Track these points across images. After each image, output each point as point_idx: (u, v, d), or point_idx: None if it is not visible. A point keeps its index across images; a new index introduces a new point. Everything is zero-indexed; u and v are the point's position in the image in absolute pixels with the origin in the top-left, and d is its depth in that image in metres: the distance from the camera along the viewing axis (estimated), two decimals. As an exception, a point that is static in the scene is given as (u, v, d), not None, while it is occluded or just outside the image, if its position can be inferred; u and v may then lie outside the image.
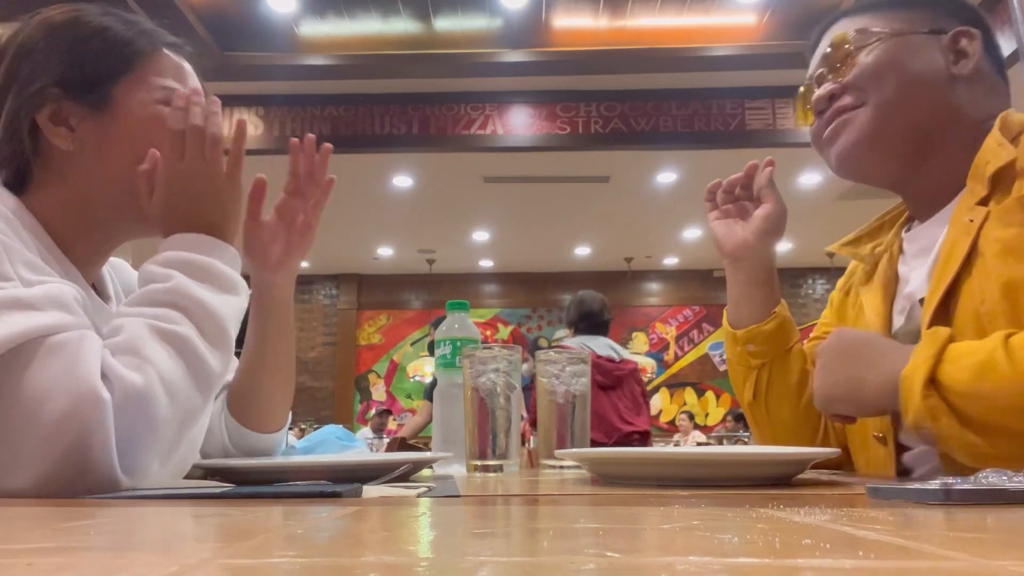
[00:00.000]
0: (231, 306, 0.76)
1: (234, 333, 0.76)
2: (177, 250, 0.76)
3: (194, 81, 0.90)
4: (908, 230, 1.03)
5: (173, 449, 0.69)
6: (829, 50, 0.98)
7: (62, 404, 0.61)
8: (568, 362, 1.10)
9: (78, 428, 0.61)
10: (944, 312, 0.84)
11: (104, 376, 0.64)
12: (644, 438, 3.36)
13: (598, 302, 3.49)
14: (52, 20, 0.84)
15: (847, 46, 0.96)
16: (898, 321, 0.97)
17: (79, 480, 0.63)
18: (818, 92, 0.98)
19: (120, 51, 0.84)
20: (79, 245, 0.83)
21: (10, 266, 0.67)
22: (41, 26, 0.83)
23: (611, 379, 3.30)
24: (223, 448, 0.98)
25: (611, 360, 3.35)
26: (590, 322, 3.45)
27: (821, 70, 0.99)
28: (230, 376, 0.99)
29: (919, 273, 0.94)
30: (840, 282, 1.18)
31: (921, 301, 0.90)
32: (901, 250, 1.02)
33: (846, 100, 0.95)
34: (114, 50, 0.83)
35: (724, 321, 1.13)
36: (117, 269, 0.97)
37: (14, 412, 0.62)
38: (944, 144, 0.92)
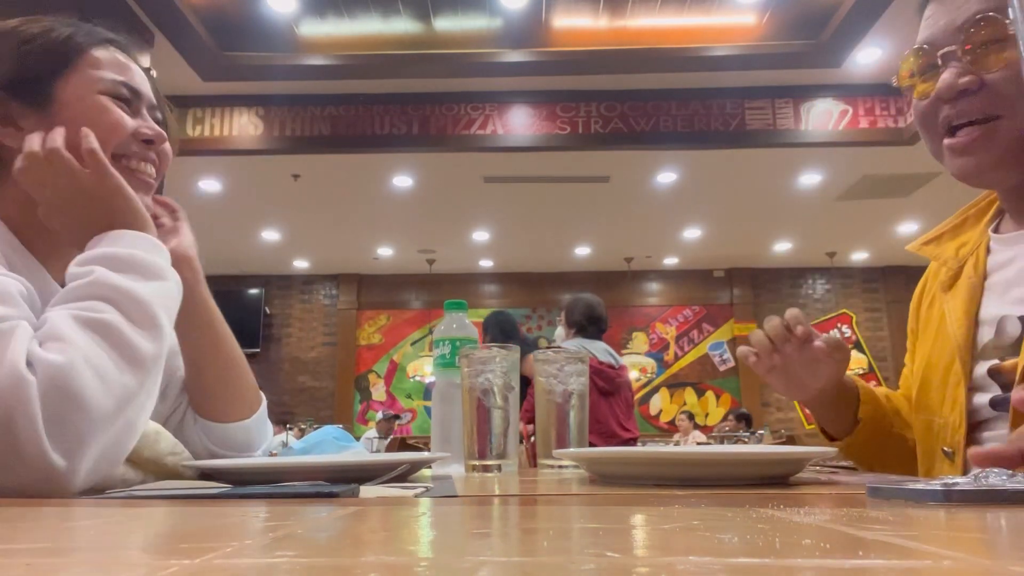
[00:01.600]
0: (158, 291, 0.76)
1: (165, 316, 0.76)
2: (96, 248, 0.78)
3: (137, 74, 0.92)
4: (996, 229, 0.95)
5: (112, 431, 0.68)
6: (969, 23, 0.81)
7: None
8: (566, 361, 1.09)
9: (2, 410, 0.61)
10: None
11: (28, 363, 0.64)
12: (634, 444, 3.38)
13: (603, 307, 3.49)
14: (3, 27, 0.87)
15: (996, 29, 0.78)
16: (985, 333, 0.89)
17: (13, 464, 0.62)
18: (947, 78, 0.82)
19: (58, 49, 0.86)
20: (40, 243, 0.85)
21: None
22: None
23: (612, 385, 3.30)
24: (205, 449, 0.99)
25: (611, 367, 3.34)
26: (597, 327, 3.45)
27: (951, 47, 0.82)
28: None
29: (1019, 288, 0.87)
30: (917, 290, 1.09)
31: (1021, 319, 0.84)
32: (988, 250, 0.94)
33: (981, 103, 0.81)
34: (53, 48, 0.86)
35: (816, 424, 1.10)
36: None
37: None
38: None
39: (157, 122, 0.94)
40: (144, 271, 0.77)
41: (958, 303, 0.93)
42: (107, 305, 0.71)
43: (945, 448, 0.92)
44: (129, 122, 0.88)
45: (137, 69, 0.92)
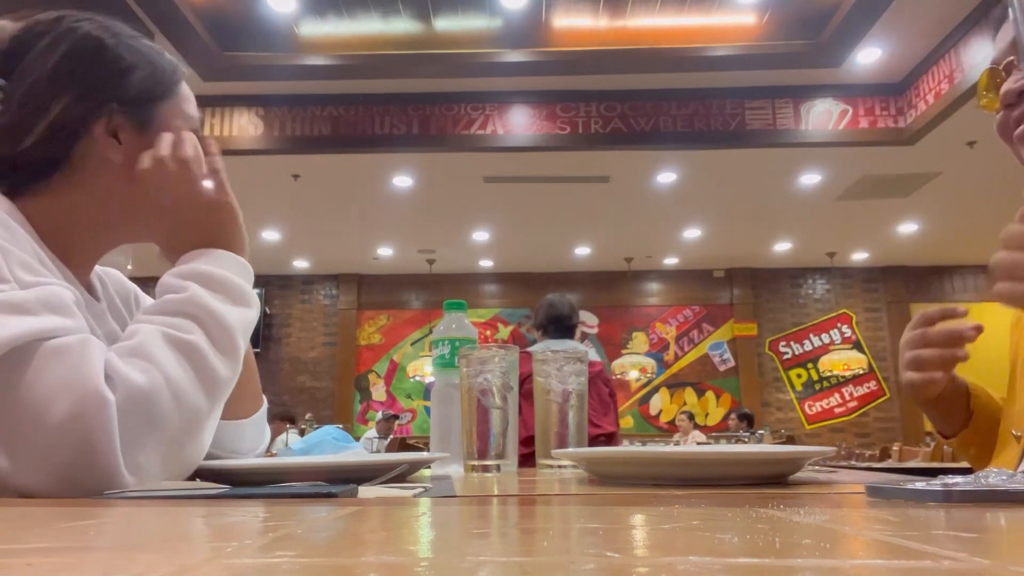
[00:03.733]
0: (242, 317, 0.79)
1: (244, 343, 0.79)
2: (196, 263, 0.80)
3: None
4: None
5: (177, 450, 0.70)
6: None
7: (67, 406, 0.62)
8: (565, 361, 1.09)
9: (83, 429, 0.62)
10: None
11: (108, 377, 0.65)
12: (610, 439, 3.26)
13: (567, 306, 3.41)
14: (88, 37, 0.85)
15: None
16: None
17: (85, 480, 0.63)
18: (1008, 85, 0.92)
19: (164, 79, 0.90)
20: (75, 250, 0.85)
21: (7, 268, 0.68)
22: (87, 39, 0.85)
23: None
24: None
25: None
26: (559, 326, 3.37)
27: (1011, 58, 0.93)
28: None
29: None
30: (1014, 320, 1.14)
31: None
32: None
33: None
34: (161, 76, 0.89)
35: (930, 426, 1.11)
36: (110, 276, 0.98)
37: (18, 415, 0.63)
38: None
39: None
40: (235, 296, 0.79)
41: None
42: (195, 326, 0.73)
43: (1015, 431, 0.95)
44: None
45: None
